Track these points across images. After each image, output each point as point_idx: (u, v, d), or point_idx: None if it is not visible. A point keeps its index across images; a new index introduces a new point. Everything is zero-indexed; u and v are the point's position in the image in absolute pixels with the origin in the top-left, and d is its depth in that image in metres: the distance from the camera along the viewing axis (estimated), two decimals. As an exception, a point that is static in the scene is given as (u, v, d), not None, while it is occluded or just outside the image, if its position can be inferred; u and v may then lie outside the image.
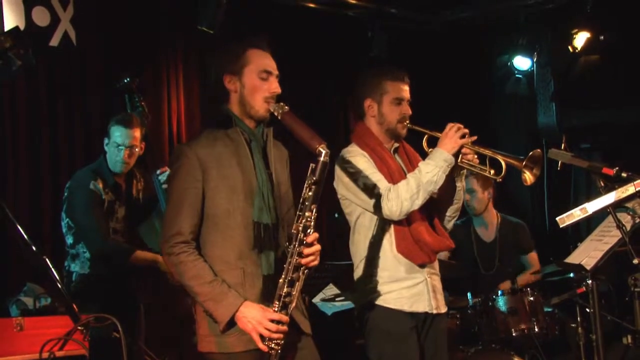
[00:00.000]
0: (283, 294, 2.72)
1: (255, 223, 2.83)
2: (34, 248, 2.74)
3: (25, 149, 4.93)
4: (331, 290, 5.12)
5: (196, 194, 2.82)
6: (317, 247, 2.78)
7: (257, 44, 2.97)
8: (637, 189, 2.71)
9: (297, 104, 2.96)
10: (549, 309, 4.93)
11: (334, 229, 3.72)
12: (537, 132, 6.88)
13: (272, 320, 2.71)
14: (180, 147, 2.95)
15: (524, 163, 3.36)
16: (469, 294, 5.09)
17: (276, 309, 2.73)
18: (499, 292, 4.84)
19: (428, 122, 3.64)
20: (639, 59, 6.30)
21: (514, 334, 4.72)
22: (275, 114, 2.83)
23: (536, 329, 4.72)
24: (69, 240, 4.41)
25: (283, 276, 2.73)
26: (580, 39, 6.37)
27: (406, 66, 3.75)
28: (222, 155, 2.86)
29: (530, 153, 3.36)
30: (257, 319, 2.72)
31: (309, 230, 2.72)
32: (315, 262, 2.78)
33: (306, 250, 2.73)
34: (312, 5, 6.22)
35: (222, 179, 2.84)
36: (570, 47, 6.43)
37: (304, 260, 2.73)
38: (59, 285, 2.80)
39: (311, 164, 2.69)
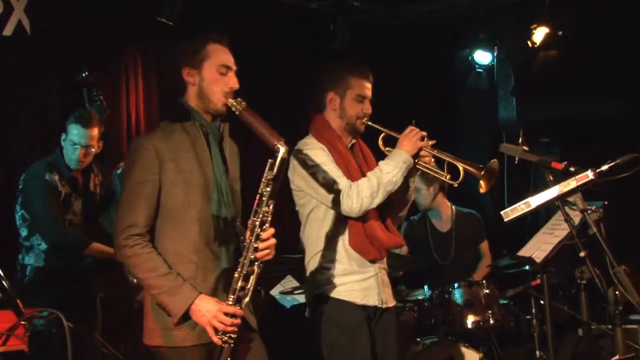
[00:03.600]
0: (238, 287, 2.73)
1: (215, 217, 2.84)
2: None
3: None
4: (290, 282, 5.14)
5: (152, 187, 2.81)
6: (272, 241, 2.79)
7: (218, 39, 2.98)
8: (578, 183, 2.74)
9: (256, 97, 2.97)
10: (505, 302, 4.99)
11: (296, 221, 3.71)
12: (497, 126, 6.95)
13: (227, 314, 2.72)
14: (138, 140, 2.95)
15: (482, 172, 3.43)
16: (425, 287, 5.14)
17: (231, 303, 2.73)
18: (455, 285, 4.88)
19: (390, 116, 3.66)
20: (596, 54, 6.39)
21: (469, 326, 4.77)
22: (233, 109, 2.83)
23: (491, 321, 4.77)
24: (24, 232, 4.37)
25: (238, 270, 2.74)
26: (539, 34, 6.46)
27: (368, 59, 3.77)
28: (179, 148, 2.86)
29: (489, 164, 3.43)
30: (212, 313, 2.72)
31: (265, 226, 2.73)
32: (270, 257, 2.79)
33: (261, 245, 2.74)
34: (274, -2, 6.20)
35: (179, 172, 2.83)
36: (529, 42, 6.50)
37: (259, 255, 2.74)
38: (2, 280, 2.76)
39: (269, 160, 2.70)
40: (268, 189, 2.70)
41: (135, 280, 3.49)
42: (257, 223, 2.72)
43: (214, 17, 5.81)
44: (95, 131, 4.37)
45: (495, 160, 3.43)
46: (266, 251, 2.77)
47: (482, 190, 3.46)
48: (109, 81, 5.46)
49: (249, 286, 2.75)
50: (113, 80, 5.54)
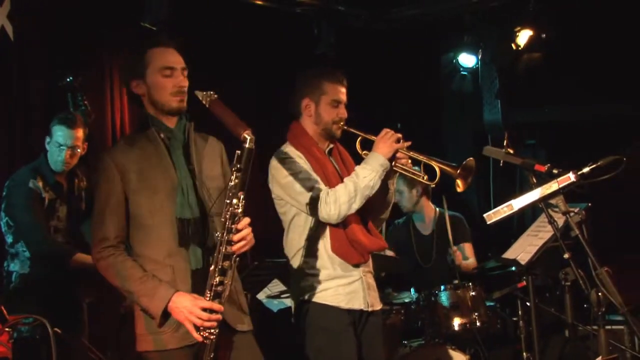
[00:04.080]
0: (214, 283, 2.73)
1: (178, 219, 2.84)
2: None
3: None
4: (277, 286, 5.13)
5: (117, 200, 2.86)
6: (246, 231, 2.77)
7: (157, 42, 2.99)
8: (560, 186, 2.76)
9: (241, 101, 2.96)
10: (491, 304, 5.01)
11: (279, 225, 3.71)
12: (483, 128, 6.97)
13: (205, 310, 2.72)
14: (99, 156, 2.98)
15: (458, 171, 3.43)
16: (412, 290, 5.15)
17: (208, 298, 2.73)
18: (442, 287, 4.89)
19: (375, 120, 3.67)
20: (579, 56, 6.43)
21: (456, 329, 4.78)
22: (204, 102, 2.82)
23: (478, 323, 4.79)
24: (9, 239, 4.35)
25: (213, 265, 2.74)
26: (523, 36, 6.49)
27: (353, 63, 3.77)
28: (141, 157, 2.89)
29: (464, 162, 3.44)
30: (188, 308, 2.73)
31: (236, 218, 2.72)
32: (246, 247, 2.79)
33: (235, 237, 2.73)
34: (259, 2, 6.19)
35: (142, 181, 2.86)
36: (513, 45, 6.53)
37: (234, 248, 2.74)
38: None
39: (237, 151, 2.69)
40: (236, 181, 2.68)
41: None
42: (228, 216, 2.72)
43: (198, 21, 5.81)
44: (80, 132, 4.37)
45: (471, 158, 3.44)
46: (241, 243, 2.76)
47: (458, 190, 3.46)
48: (94, 86, 5.44)
49: (226, 281, 2.74)
50: (97, 85, 5.52)
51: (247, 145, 2.67)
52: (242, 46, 6.10)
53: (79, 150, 4.38)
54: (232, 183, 2.70)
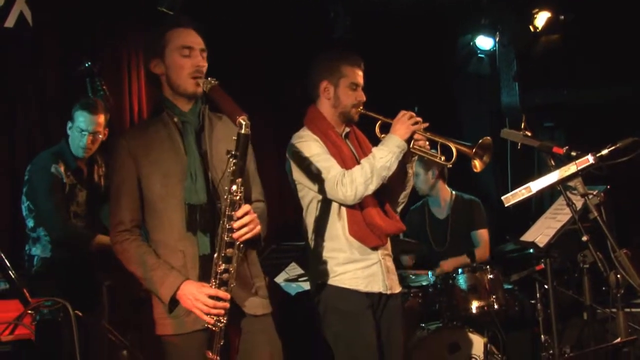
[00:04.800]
0: (219, 271, 2.72)
1: (186, 205, 2.84)
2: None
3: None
4: (294, 270, 5.15)
5: (131, 184, 2.88)
6: (248, 218, 2.73)
7: (177, 23, 2.97)
8: (578, 168, 2.74)
9: (254, 89, 2.95)
10: (509, 286, 5.00)
11: (300, 210, 3.71)
12: (500, 111, 6.94)
13: (211, 297, 2.72)
14: (113, 141, 3.01)
15: (474, 150, 3.41)
16: (429, 272, 5.15)
17: (213, 286, 2.73)
18: (459, 270, 4.89)
19: (392, 103, 3.66)
20: (598, 38, 6.37)
21: (473, 312, 4.78)
22: (203, 88, 2.82)
23: (495, 306, 4.78)
24: (30, 223, 4.40)
25: (216, 254, 2.73)
26: (541, 18, 6.44)
27: (369, 46, 3.75)
28: (154, 142, 2.90)
29: (480, 141, 3.42)
30: (194, 295, 2.74)
31: (236, 205, 2.70)
32: (249, 235, 2.74)
33: (236, 224, 2.70)
34: (274, -15, 6.17)
35: (154, 165, 2.86)
36: (531, 27, 6.48)
37: (235, 235, 2.71)
38: (8, 270, 2.79)
39: (233, 137, 2.65)
40: (233, 167, 2.65)
41: None
42: (227, 203, 2.69)
43: (214, 6, 5.80)
44: (101, 118, 4.40)
45: (487, 137, 3.42)
46: (243, 230, 2.72)
47: (475, 170, 3.44)
48: (111, 71, 5.47)
49: (231, 269, 2.73)
50: (115, 71, 5.54)
51: (242, 131, 2.62)
52: (257, 31, 6.09)
53: (100, 135, 4.42)
54: (230, 170, 2.66)
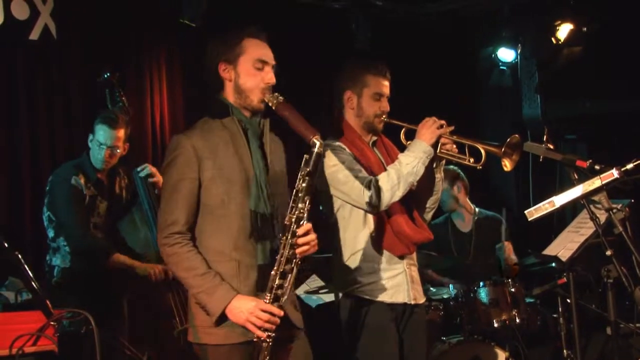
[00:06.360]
0: (275, 285, 2.71)
1: (252, 212, 2.81)
2: (5, 244, 2.73)
3: (5, 142, 4.92)
4: (315, 282, 5.13)
5: (192, 185, 2.82)
6: (311, 237, 2.75)
7: (254, 34, 2.97)
8: (603, 182, 2.71)
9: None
10: (531, 300, 4.96)
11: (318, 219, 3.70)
12: (522, 123, 6.90)
13: (264, 312, 2.71)
14: (177, 138, 2.91)
15: (502, 150, 3.37)
16: (451, 286, 5.12)
17: (267, 301, 2.72)
18: (481, 284, 4.86)
19: (413, 115, 3.63)
20: (621, 50, 6.33)
21: (495, 325, 4.73)
22: (270, 104, 2.82)
23: (517, 320, 4.72)
24: (50, 233, 4.42)
25: (275, 268, 2.72)
26: (564, 30, 6.41)
27: (390, 58, 3.74)
28: (218, 145, 2.86)
29: (508, 139, 3.37)
30: (249, 309, 2.72)
31: (301, 222, 2.71)
32: (311, 251, 2.77)
33: (300, 240, 2.71)
34: (296, -2, 6.19)
35: (218, 169, 2.83)
36: (553, 39, 6.45)
37: (298, 251, 2.72)
38: (32, 281, 2.79)
39: (305, 155, 2.67)
40: (304, 185, 2.67)
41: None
42: (293, 219, 2.69)
43: (236, 18, 5.82)
44: (121, 132, 4.39)
45: (515, 135, 3.38)
46: (305, 247, 2.74)
47: (506, 169, 3.40)
48: (134, 83, 5.50)
49: (286, 284, 2.73)
50: (138, 82, 5.57)
51: (315, 150, 2.65)
52: (279, 42, 6.10)
53: (118, 150, 4.41)
54: (299, 187, 2.68)
